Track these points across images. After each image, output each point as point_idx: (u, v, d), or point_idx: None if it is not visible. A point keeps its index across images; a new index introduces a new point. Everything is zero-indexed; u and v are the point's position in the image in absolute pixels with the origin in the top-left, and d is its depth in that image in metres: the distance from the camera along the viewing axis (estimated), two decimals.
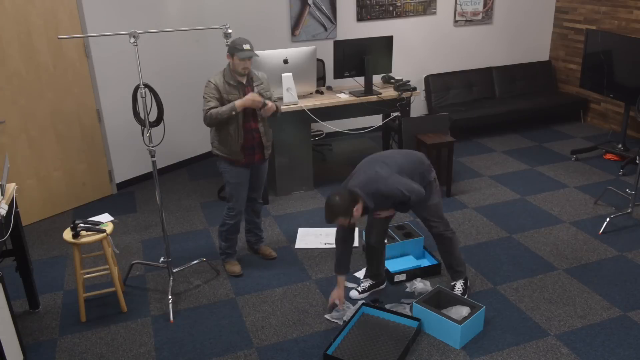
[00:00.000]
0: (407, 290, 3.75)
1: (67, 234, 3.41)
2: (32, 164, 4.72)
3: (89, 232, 3.43)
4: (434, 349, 3.23)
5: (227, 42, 3.62)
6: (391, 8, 6.47)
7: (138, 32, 3.16)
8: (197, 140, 6.09)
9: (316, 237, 4.48)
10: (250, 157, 3.76)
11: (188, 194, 5.37)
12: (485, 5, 6.88)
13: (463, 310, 3.32)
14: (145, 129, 3.48)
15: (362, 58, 5.05)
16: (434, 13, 6.69)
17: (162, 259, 4.06)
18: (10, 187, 3.44)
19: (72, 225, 3.38)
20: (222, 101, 3.60)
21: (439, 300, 3.47)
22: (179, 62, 5.67)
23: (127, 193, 5.43)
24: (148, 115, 3.48)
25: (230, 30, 3.66)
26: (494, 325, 3.40)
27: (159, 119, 3.55)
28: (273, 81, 4.87)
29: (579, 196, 5.04)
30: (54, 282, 4.03)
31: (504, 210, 4.83)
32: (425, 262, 4.05)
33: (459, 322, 3.18)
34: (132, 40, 3.30)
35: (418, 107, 6.98)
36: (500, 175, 5.53)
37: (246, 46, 3.49)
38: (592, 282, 3.80)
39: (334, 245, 4.34)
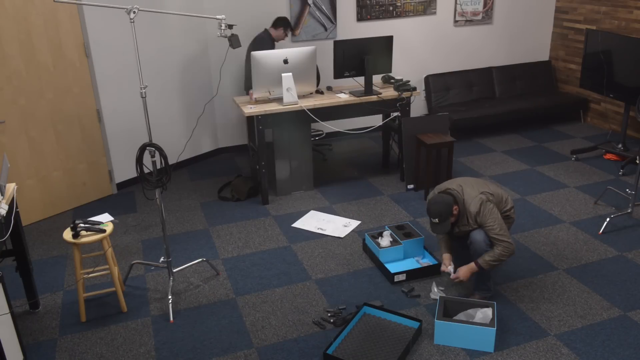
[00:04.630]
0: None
1: (67, 234, 3.41)
2: (32, 164, 4.72)
3: (89, 232, 3.43)
4: (434, 349, 3.23)
5: (226, 33, 3.66)
6: (391, 8, 6.47)
7: (137, 7, 3.15)
8: (198, 140, 6.09)
9: (317, 222, 4.67)
10: None
11: (188, 194, 5.37)
12: (485, 5, 6.88)
13: (487, 312, 3.28)
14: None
15: (362, 58, 5.05)
16: (434, 13, 6.69)
17: (162, 259, 4.07)
18: (10, 187, 3.44)
19: (72, 225, 3.38)
20: None
21: (446, 309, 3.42)
22: (179, 62, 5.67)
23: (127, 193, 5.43)
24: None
25: (223, 25, 3.69)
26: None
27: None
28: (273, 81, 4.87)
29: (579, 196, 5.04)
30: (54, 282, 4.03)
31: None
32: (426, 263, 4.05)
33: (491, 325, 3.15)
34: (132, 16, 3.25)
35: (418, 107, 6.98)
36: (500, 175, 5.53)
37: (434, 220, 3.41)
38: (592, 282, 3.80)
39: (325, 232, 4.52)
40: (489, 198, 3.40)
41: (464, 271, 3.44)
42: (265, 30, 5.54)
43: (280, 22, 5.53)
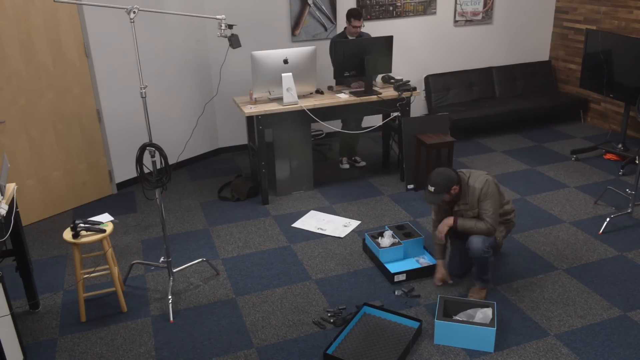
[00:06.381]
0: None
1: (67, 234, 3.41)
2: (32, 164, 4.72)
3: (89, 232, 3.43)
4: (434, 349, 3.23)
5: (226, 33, 3.66)
6: (391, 8, 6.47)
7: (137, 7, 3.15)
8: (197, 140, 6.09)
9: (317, 222, 4.68)
10: None
11: (188, 194, 5.37)
12: (485, 5, 6.88)
13: (487, 312, 3.28)
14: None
15: (362, 58, 5.05)
16: (434, 13, 6.69)
17: (162, 259, 4.07)
18: (10, 187, 3.44)
19: (72, 225, 3.38)
20: None
21: (446, 309, 3.42)
22: (179, 62, 5.67)
23: (127, 193, 5.43)
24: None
25: (223, 25, 3.69)
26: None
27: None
28: (273, 81, 4.87)
29: (579, 196, 5.04)
30: (54, 282, 4.03)
31: None
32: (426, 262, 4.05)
33: (491, 325, 3.15)
34: (132, 16, 3.25)
35: (418, 107, 6.98)
36: (500, 175, 5.53)
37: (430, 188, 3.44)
38: (592, 282, 3.80)
39: (325, 232, 4.52)
40: (494, 180, 3.52)
41: (442, 225, 3.56)
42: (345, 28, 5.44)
43: (347, 15, 5.30)
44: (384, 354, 3.17)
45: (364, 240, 4.27)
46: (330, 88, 5.42)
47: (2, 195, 3.18)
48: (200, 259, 4.03)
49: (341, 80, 5.49)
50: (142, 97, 3.40)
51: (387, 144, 5.74)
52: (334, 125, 6.24)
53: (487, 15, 6.93)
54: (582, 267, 3.98)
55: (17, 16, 4.37)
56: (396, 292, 3.74)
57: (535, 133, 6.68)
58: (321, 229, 4.59)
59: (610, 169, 5.59)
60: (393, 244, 4.02)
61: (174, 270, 3.93)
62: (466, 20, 6.87)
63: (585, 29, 6.00)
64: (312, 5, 6.14)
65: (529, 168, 5.69)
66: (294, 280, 3.94)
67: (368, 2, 6.35)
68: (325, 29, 6.27)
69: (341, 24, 6.31)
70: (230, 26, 3.79)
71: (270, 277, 3.99)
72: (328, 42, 6.27)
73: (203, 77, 5.94)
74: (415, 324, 3.36)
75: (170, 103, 5.69)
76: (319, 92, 5.25)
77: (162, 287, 3.92)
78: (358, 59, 5.05)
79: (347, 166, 5.88)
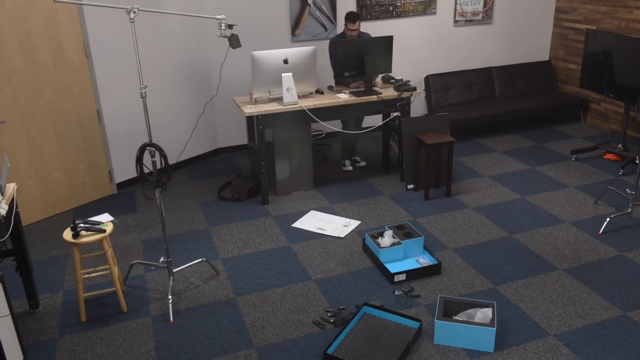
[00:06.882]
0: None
1: (67, 234, 3.41)
2: (32, 164, 4.72)
3: (89, 232, 3.43)
4: (434, 349, 3.23)
5: (226, 33, 3.66)
6: (391, 8, 6.47)
7: (137, 7, 3.15)
8: (197, 140, 6.09)
9: (317, 222, 4.69)
10: None
11: (188, 194, 5.37)
12: (485, 5, 6.88)
13: (487, 312, 3.28)
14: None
15: (362, 58, 5.05)
16: (434, 13, 6.69)
17: (162, 259, 4.07)
18: (10, 187, 3.44)
19: (72, 225, 3.38)
20: None
21: (446, 309, 3.43)
22: (179, 62, 5.67)
23: (127, 193, 5.43)
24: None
25: (223, 25, 3.69)
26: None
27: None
28: (273, 81, 4.87)
29: (579, 196, 5.04)
30: (54, 282, 4.03)
31: (504, 210, 4.83)
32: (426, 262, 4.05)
33: (491, 325, 3.15)
34: (132, 16, 3.25)
35: (418, 107, 6.98)
36: (500, 175, 5.53)
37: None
38: (592, 282, 3.80)
39: (325, 232, 4.52)
40: None
41: None
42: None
43: (344, 18, 5.32)
44: (384, 354, 3.17)
45: (364, 240, 4.27)
46: (330, 88, 5.42)
47: (2, 195, 3.18)
48: (200, 259, 4.03)
49: (341, 80, 5.49)
50: (142, 97, 3.40)
51: (387, 144, 5.74)
52: (334, 125, 6.25)
53: (487, 15, 6.94)
54: (582, 267, 3.98)
55: (17, 16, 4.37)
56: (396, 292, 3.74)
57: (535, 133, 6.68)
58: (321, 229, 4.59)
59: (610, 169, 5.60)
60: (393, 244, 4.03)
61: (174, 270, 3.93)
62: (466, 20, 6.87)
63: (585, 29, 6.00)
64: (312, 5, 6.14)
65: (529, 168, 5.69)
66: (294, 280, 3.94)
67: (368, 2, 6.35)
68: (325, 29, 6.27)
69: (341, 24, 6.31)
70: (230, 26, 3.79)
71: (270, 277, 3.99)
72: (328, 42, 6.28)
73: (203, 77, 5.94)
74: (415, 324, 3.36)
75: (170, 103, 5.69)
76: (319, 92, 5.25)
77: (162, 287, 3.92)
78: (358, 59, 5.05)
79: (350, 168, 5.87)
